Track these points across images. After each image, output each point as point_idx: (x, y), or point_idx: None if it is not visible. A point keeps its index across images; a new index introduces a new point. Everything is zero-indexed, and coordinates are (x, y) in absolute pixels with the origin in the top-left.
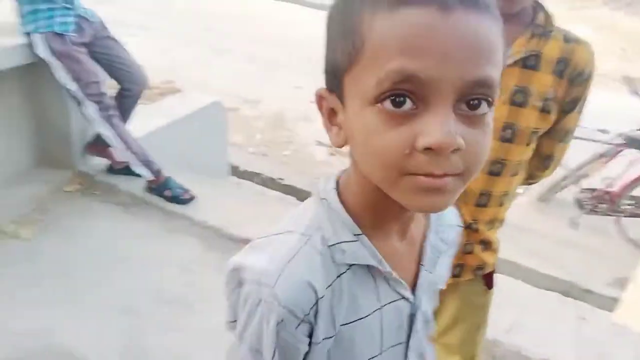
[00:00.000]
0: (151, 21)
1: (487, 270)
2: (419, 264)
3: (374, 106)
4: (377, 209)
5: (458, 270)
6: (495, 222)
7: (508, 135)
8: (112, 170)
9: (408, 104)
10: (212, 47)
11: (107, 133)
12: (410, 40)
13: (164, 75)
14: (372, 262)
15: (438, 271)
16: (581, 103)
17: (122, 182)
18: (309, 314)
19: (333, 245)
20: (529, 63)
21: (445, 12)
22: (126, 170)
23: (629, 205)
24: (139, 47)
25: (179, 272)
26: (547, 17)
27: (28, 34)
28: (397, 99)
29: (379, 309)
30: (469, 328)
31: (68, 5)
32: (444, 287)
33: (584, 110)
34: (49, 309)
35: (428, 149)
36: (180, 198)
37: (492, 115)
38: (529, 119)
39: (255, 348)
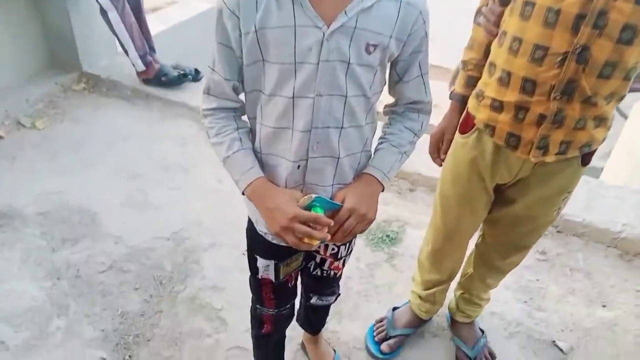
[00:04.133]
0: None
1: (594, 148)
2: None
3: None
4: None
5: (564, 147)
6: (614, 95)
7: None
8: (145, 80)
9: None
10: None
11: (115, 18)
12: None
13: None
14: None
15: (364, 24)
16: None
17: (125, 79)
18: (234, 10)
19: None
20: None
21: None
22: (155, 81)
23: None
24: None
25: (177, 146)
26: None
27: None
28: None
29: (292, 26)
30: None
31: None
32: (373, 41)
33: None
34: (64, 176)
35: None
36: (177, 78)
37: None
38: None
39: (213, 62)
